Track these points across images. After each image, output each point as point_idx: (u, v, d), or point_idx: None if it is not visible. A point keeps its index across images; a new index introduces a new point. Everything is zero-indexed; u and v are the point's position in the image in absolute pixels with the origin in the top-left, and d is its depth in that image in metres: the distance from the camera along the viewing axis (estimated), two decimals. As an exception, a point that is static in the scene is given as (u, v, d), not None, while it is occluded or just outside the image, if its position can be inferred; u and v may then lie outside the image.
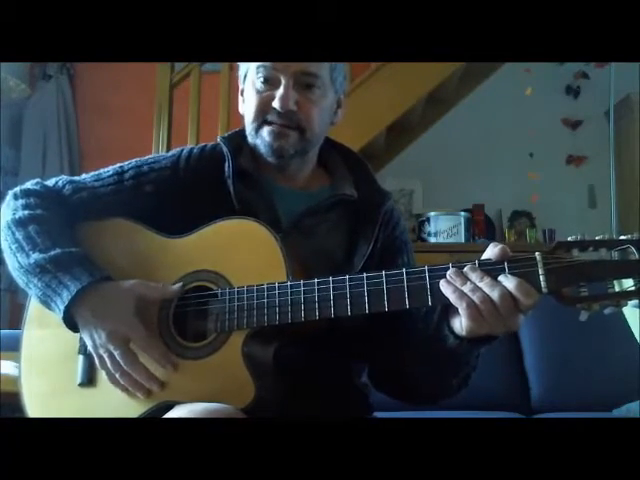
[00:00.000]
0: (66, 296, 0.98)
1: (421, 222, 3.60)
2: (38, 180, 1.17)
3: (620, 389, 1.98)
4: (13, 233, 1.07)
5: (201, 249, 1.06)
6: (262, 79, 1.09)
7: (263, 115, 1.10)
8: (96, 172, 1.18)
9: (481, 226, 3.75)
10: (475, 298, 0.86)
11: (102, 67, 3.81)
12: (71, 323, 1.01)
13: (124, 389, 1.01)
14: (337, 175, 1.19)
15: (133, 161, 1.18)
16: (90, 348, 1.01)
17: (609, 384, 2.04)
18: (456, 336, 0.92)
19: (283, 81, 1.08)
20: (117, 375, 1.00)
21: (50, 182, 1.17)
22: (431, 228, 3.53)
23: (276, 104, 1.07)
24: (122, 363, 0.99)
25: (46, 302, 1.02)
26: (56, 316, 1.03)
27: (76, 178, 1.18)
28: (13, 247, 1.06)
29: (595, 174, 3.87)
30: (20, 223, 1.08)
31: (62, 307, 0.99)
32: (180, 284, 1.03)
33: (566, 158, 3.96)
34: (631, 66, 3.44)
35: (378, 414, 1.15)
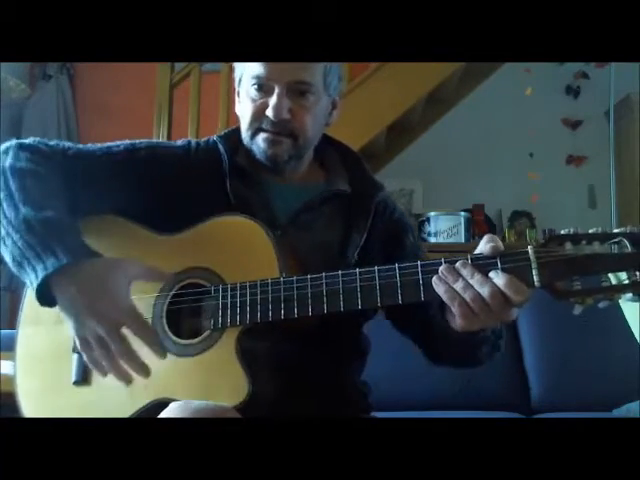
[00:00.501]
0: (51, 264, 0.90)
1: (421, 222, 3.59)
2: (47, 142, 1.09)
3: (620, 389, 1.98)
4: (7, 180, 0.99)
5: (195, 246, 1.06)
6: (256, 87, 1.10)
7: (257, 123, 1.11)
8: (105, 145, 1.13)
9: (481, 226, 3.75)
10: (466, 296, 0.87)
11: (102, 67, 3.81)
12: (45, 295, 0.92)
13: (106, 375, 0.95)
14: (332, 171, 1.20)
15: (144, 142, 1.15)
16: (72, 329, 0.94)
17: (609, 384, 2.03)
18: (456, 331, 0.93)
19: (277, 90, 1.08)
20: (104, 361, 0.94)
21: (57, 146, 1.10)
22: (431, 228, 3.53)
23: (269, 113, 1.08)
24: (113, 348, 0.92)
25: (21, 264, 0.93)
26: (51, 314, 0.99)
27: (84, 150, 1.12)
28: (1, 194, 0.98)
29: (595, 174, 3.87)
30: (18, 172, 1.00)
31: (41, 275, 0.90)
32: (172, 273, 1.02)
33: (566, 158, 3.96)
34: (631, 66, 3.44)
35: (378, 414, 1.15)
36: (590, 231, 0.85)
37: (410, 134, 3.91)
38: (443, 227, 3.52)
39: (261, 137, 1.11)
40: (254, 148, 1.12)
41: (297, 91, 1.09)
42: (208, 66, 3.20)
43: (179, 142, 1.20)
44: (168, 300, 1.04)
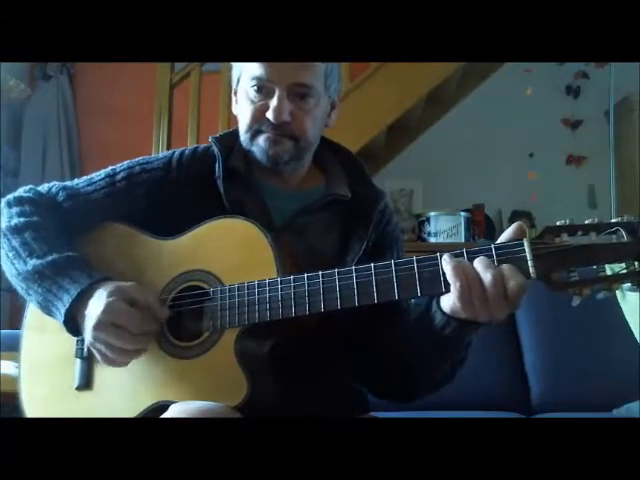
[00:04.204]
0: (67, 299, 0.99)
1: (421, 222, 3.59)
2: (31, 187, 1.17)
3: (620, 389, 1.98)
4: (9, 240, 1.08)
5: (193, 249, 1.06)
6: (256, 88, 1.09)
7: (257, 125, 1.10)
8: (88, 177, 1.18)
9: (481, 226, 3.75)
10: (469, 277, 0.86)
11: (102, 67, 3.81)
12: (72, 327, 1.01)
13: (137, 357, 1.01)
14: (331, 175, 1.19)
15: (125, 163, 1.18)
16: (90, 347, 1.01)
17: (609, 384, 2.03)
18: (444, 313, 0.92)
19: (277, 92, 1.07)
20: (125, 358, 0.99)
21: (43, 189, 1.17)
22: (431, 228, 3.53)
23: (270, 115, 1.07)
24: (121, 345, 0.97)
25: (47, 307, 1.02)
26: (54, 322, 1.03)
27: (69, 184, 1.18)
28: (10, 255, 1.06)
29: (595, 174, 3.87)
30: (16, 230, 1.08)
31: (63, 311, 0.99)
32: (168, 311, 1.04)
33: (566, 158, 3.96)
34: (631, 66, 3.44)
35: (377, 414, 1.15)
36: (586, 222, 0.84)
37: (410, 134, 3.91)
38: (443, 227, 3.51)
39: (262, 137, 1.10)
40: (254, 149, 1.11)
41: (298, 94, 1.08)
42: (208, 66, 3.20)
43: (162, 154, 1.20)
44: (168, 303, 1.05)
